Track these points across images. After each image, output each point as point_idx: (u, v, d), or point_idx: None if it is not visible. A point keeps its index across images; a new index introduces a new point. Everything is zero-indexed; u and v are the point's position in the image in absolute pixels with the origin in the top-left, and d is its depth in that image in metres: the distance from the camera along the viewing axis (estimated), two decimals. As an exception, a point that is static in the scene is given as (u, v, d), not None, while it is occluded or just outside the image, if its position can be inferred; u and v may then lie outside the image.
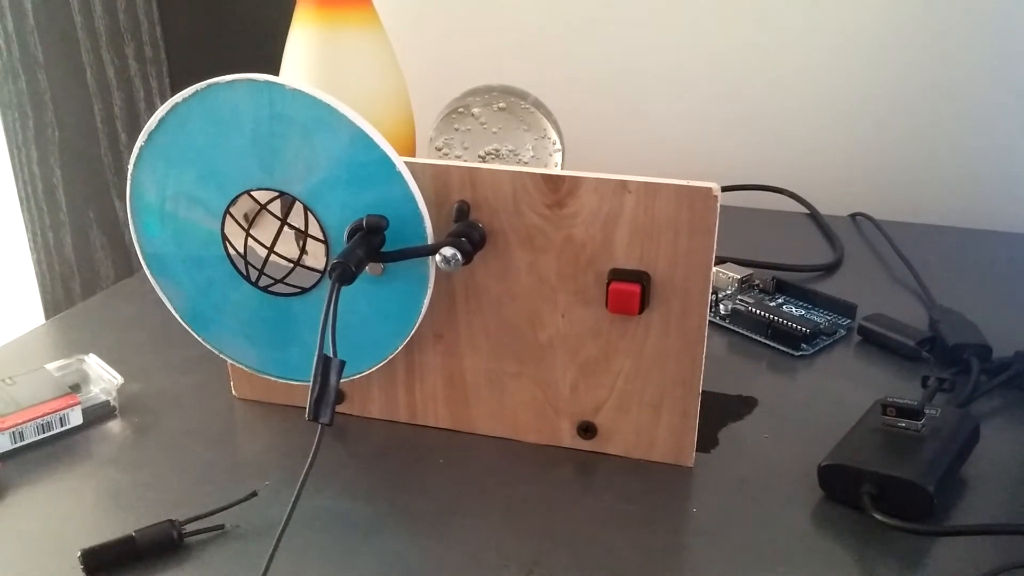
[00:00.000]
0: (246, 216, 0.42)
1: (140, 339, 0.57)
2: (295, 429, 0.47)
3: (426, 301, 0.41)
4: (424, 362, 0.45)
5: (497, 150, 0.73)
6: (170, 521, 0.39)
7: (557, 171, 0.39)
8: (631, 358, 0.41)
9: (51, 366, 0.51)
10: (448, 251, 0.38)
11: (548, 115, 0.73)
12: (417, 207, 0.39)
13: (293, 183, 0.40)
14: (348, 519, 0.40)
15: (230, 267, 0.43)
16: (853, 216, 0.78)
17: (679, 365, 0.41)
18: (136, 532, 0.38)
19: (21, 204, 0.88)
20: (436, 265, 0.39)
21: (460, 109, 0.72)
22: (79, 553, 0.37)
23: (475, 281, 0.42)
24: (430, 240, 0.40)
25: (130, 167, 0.42)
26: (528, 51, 0.89)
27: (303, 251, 0.42)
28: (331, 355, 0.33)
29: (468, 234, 0.39)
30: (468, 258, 0.38)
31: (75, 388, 0.49)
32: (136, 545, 0.37)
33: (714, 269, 0.60)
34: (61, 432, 0.47)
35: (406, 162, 0.40)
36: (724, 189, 0.80)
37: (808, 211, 0.79)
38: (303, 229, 0.41)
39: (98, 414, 0.49)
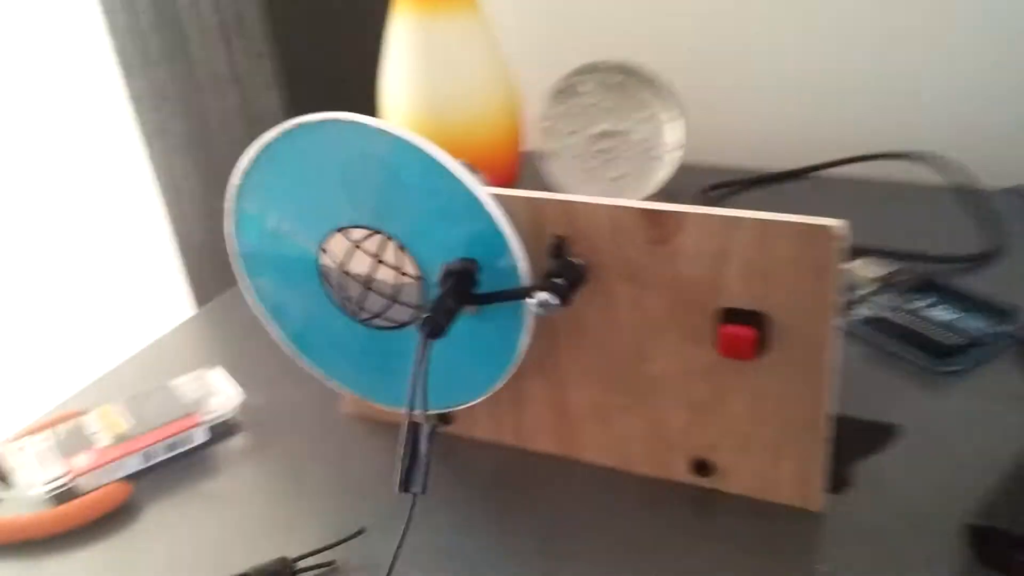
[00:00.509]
0: (341, 252, 0.41)
1: (262, 346, 0.59)
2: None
3: (524, 339, 0.39)
4: (528, 391, 0.43)
5: (607, 131, 0.69)
6: (282, 558, 0.39)
7: (658, 206, 0.35)
8: (748, 400, 0.38)
9: (178, 381, 0.53)
10: (541, 296, 0.35)
11: (664, 92, 0.68)
12: (509, 247, 0.37)
13: (384, 220, 0.39)
14: (454, 554, 0.39)
15: (329, 301, 0.43)
16: (1013, 190, 0.69)
17: (803, 408, 0.37)
18: (252, 570, 0.39)
19: (159, 196, 0.92)
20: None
21: (570, 87, 0.68)
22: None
23: (577, 315, 0.40)
24: (525, 280, 0.37)
25: (228, 202, 0.42)
26: (645, 21, 0.83)
27: (399, 288, 0.41)
28: (422, 421, 0.32)
29: (565, 273, 0.37)
30: (564, 301, 0.36)
31: (200, 403, 0.51)
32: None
33: (848, 265, 0.55)
34: (187, 450, 0.49)
35: (498, 195, 0.37)
36: (854, 160, 0.73)
37: (957, 184, 0.70)
38: (398, 266, 0.40)
39: (221, 431, 0.50)
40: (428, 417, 0.33)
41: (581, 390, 0.42)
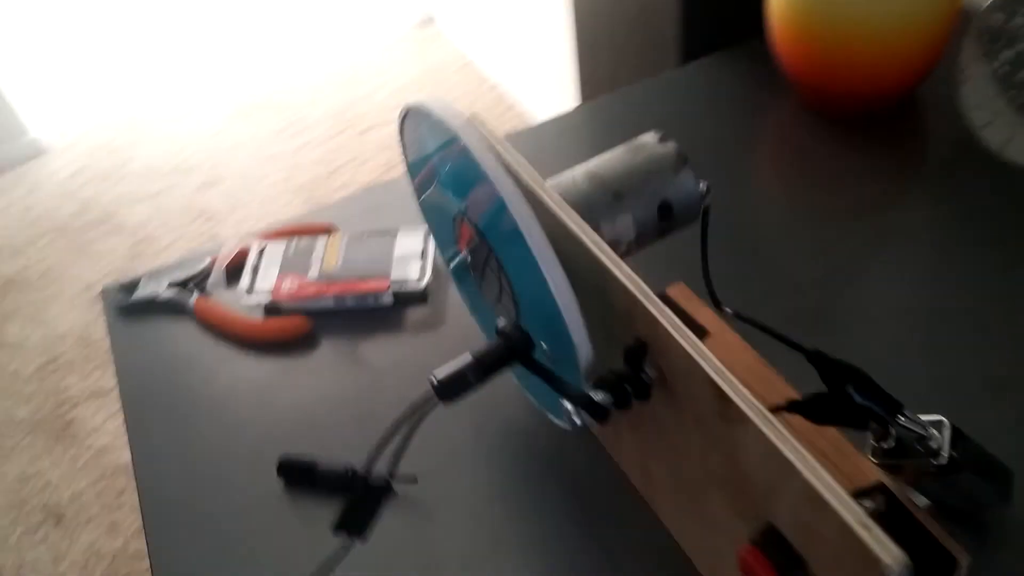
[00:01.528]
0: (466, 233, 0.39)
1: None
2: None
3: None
4: (622, 433, 0.39)
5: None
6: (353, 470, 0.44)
7: (730, 389, 0.27)
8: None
9: (404, 232, 0.56)
10: (573, 409, 0.31)
11: None
12: (571, 334, 0.32)
13: (487, 231, 0.35)
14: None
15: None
16: None
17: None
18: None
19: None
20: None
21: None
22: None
23: (656, 406, 0.34)
24: (584, 365, 0.32)
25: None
26: None
27: (501, 294, 0.38)
28: (382, 478, 0.32)
29: (623, 386, 0.31)
30: (604, 419, 0.31)
31: (403, 262, 0.54)
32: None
33: None
34: (373, 307, 0.54)
35: (600, 261, 0.31)
36: None
37: None
38: (499, 278, 0.37)
39: (408, 297, 0.54)
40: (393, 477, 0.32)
41: (658, 466, 0.37)
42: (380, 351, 0.51)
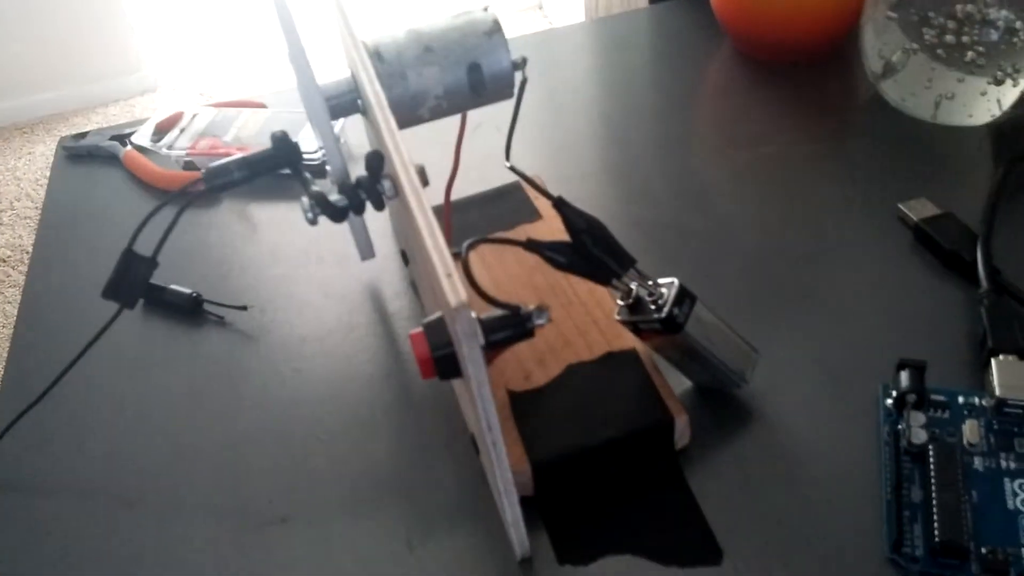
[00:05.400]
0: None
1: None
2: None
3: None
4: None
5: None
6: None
7: (405, 178, 0.30)
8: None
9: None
10: (309, 206, 0.35)
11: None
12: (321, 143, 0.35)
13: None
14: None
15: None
16: None
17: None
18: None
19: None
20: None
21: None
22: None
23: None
24: (332, 174, 0.36)
25: None
26: None
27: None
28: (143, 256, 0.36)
29: (357, 193, 0.35)
30: (339, 219, 0.35)
31: (311, 137, 0.59)
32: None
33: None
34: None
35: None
36: None
37: None
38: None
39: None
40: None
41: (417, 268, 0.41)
42: (268, 211, 0.55)
